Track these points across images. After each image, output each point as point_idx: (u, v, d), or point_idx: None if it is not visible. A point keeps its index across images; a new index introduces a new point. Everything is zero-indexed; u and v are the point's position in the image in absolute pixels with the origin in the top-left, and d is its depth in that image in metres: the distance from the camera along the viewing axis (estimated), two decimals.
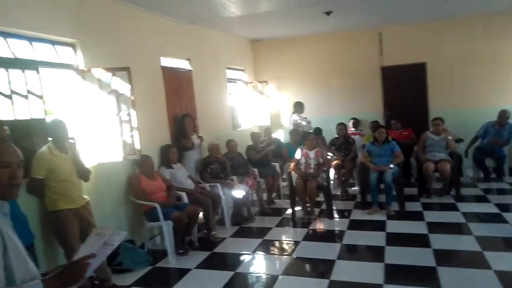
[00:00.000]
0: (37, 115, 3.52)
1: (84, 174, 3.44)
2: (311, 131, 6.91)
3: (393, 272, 3.69)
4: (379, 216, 5.31)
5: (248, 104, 8.28)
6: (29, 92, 3.47)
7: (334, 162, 6.48)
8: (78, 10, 4.02)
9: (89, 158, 3.99)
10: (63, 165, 3.29)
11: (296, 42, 8.46)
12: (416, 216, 5.22)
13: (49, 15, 3.69)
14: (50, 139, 3.34)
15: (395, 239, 4.50)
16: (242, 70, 8.37)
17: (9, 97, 3.30)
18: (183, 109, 5.72)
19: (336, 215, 5.54)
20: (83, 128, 4.13)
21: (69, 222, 3.27)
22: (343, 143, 6.73)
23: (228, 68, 7.63)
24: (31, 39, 3.59)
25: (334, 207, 5.60)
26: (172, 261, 4.23)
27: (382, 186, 5.55)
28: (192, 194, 4.87)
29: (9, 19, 3.27)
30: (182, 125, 5.38)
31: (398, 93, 8.10)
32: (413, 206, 5.62)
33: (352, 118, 8.02)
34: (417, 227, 4.81)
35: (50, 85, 3.94)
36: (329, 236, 4.91)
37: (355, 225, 5.13)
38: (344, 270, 3.80)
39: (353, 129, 7.91)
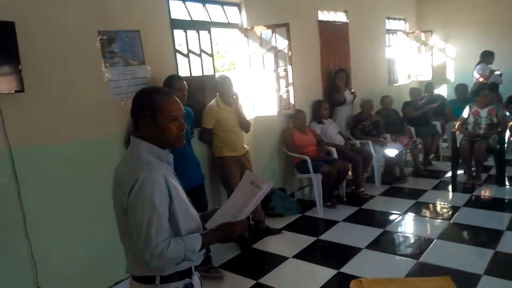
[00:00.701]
0: (207, 72, 3.98)
1: (245, 125, 3.78)
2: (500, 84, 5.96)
3: None
4: None
5: (407, 57, 7.63)
6: (202, 51, 3.92)
7: (511, 123, 5.56)
8: None
9: (249, 112, 4.36)
10: (228, 117, 3.67)
11: None
12: None
13: None
14: (217, 93, 3.76)
15: None
16: (403, 19, 7.68)
17: (187, 56, 3.80)
18: (337, 64, 5.65)
19: (508, 183, 4.84)
20: (245, 84, 4.49)
21: (231, 168, 3.69)
22: None
23: (388, 18, 7.11)
24: (204, 1, 3.97)
25: (506, 174, 4.89)
26: (320, 212, 4.41)
27: None
28: (341, 150, 4.89)
29: None
30: (334, 80, 5.35)
31: None
32: None
33: None
34: None
35: (218, 43, 4.34)
36: (497, 204, 4.36)
37: None
38: None
39: None
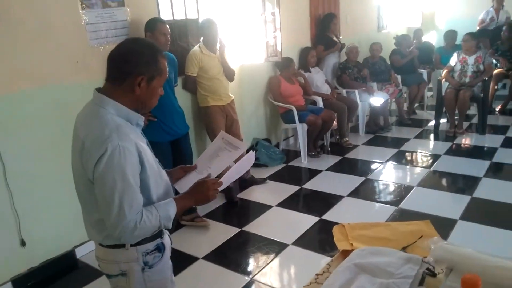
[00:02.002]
0: (191, 15, 3.78)
1: (229, 74, 3.68)
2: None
3: None
4: None
5: (397, 1, 7.41)
6: None
7: (496, 71, 5.57)
8: None
9: (235, 59, 4.23)
10: (211, 64, 3.54)
11: None
12: None
13: None
14: (201, 38, 3.60)
15: None
16: None
17: None
18: (326, 8, 5.44)
19: (488, 131, 4.96)
20: (231, 28, 4.31)
21: (217, 117, 3.64)
22: (510, 49, 5.64)
23: None
24: None
25: (487, 122, 5.00)
26: (304, 162, 4.47)
27: None
28: (328, 99, 4.86)
29: None
30: (328, 28, 5.18)
31: None
32: None
33: None
34: None
35: None
36: (476, 152, 4.49)
37: (511, 143, 4.55)
38: (491, 189, 3.52)
39: None
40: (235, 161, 1.59)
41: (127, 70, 1.29)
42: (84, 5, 2.81)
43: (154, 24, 2.96)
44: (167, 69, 1.37)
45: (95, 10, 2.88)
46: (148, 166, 1.31)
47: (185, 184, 1.56)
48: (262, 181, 4.02)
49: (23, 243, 2.62)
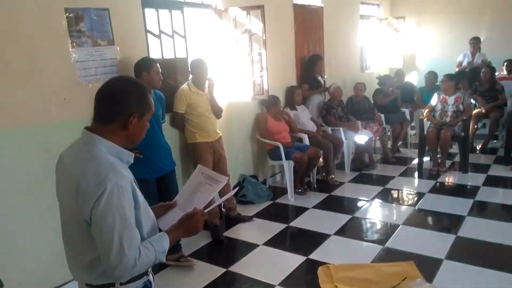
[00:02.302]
0: (180, 54, 3.86)
1: (217, 111, 3.72)
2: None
3: None
4: None
5: (380, 43, 7.72)
6: (174, 32, 3.79)
7: (475, 111, 5.77)
8: None
9: (222, 97, 4.29)
10: (200, 101, 3.59)
11: None
12: None
13: None
14: (190, 76, 3.66)
15: None
16: (377, 4, 7.73)
17: (158, 36, 3.67)
18: (311, 49, 5.63)
19: (470, 169, 5.06)
20: (219, 67, 4.40)
21: (204, 153, 3.64)
22: (488, 90, 5.87)
23: (362, 3, 7.13)
24: None
25: (469, 161, 5.10)
26: (291, 199, 4.46)
27: None
28: (314, 136, 4.93)
29: None
30: (314, 68, 5.35)
31: None
32: None
33: (507, 61, 6.81)
34: None
35: (191, 25, 4.21)
36: (460, 191, 4.54)
37: (493, 181, 4.65)
38: (474, 228, 3.54)
39: (505, 73, 6.75)
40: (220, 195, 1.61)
41: (119, 109, 1.32)
42: (75, 44, 2.85)
43: (150, 64, 3.01)
44: (154, 104, 1.43)
45: (85, 49, 2.92)
46: (140, 202, 1.34)
47: (168, 221, 1.56)
48: (249, 219, 3.99)
49: (1, 284, 2.50)
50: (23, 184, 2.63)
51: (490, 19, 7.21)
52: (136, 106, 1.33)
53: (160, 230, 1.50)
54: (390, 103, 6.00)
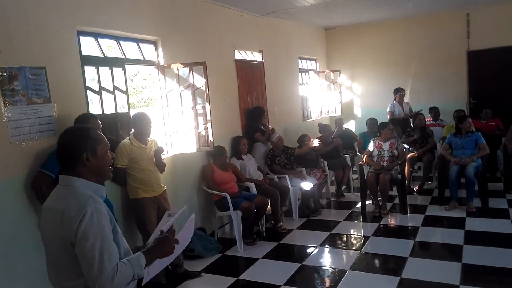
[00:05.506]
0: (122, 109, 3.84)
1: (161, 166, 3.69)
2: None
3: (472, 272, 3.51)
4: (457, 213, 5.01)
5: (319, 94, 8.17)
6: (115, 88, 3.80)
7: (409, 155, 6.18)
8: (160, 8, 4.26)
9: (167, 149, 4.27)
10: (141, 154, 3.55)
11: (372, 28, 8.12)
12: (501, 214, 4.85)
13: (135, 15, 3.96)
14: (132, 130, 3.63)
15: (475, 238, 4.24)
16: (315, 59, 8.26)
17: (99, 93, 3.65)
18: (254, 100, 5.84)
19: (409, 211, 5.31)
20: (162, 121, 4.41)
21: (148, 209, 3.54)
22: (419, 135, 6.36)
23: (301, 58, 7.59)
24: (118, 38, 3.89)
25: (408, 202, 5.38)
26: (240, 250, 4.40)
27: (462, 180, 5.20)
28: (260, 185, 4.98)
29: (100, 20, 3.56)
30: (259, 119, 5.54)
31: (486, 79, 7.46)
32: (498, 203, 5.22)
33: (433, 108, 7.47)
34: (501, 226, 4.49)
35: (135, 79, 4.25)
36: (401, 232, 4.74)
37: (431, 221, 4.89)
38: (417, 268, 3.67)
39: (432, 120, 7.39)
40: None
41: (73, 155, 1.55)
42: (7, 102, 2.76)
43: (88, 120, 2.96)
44: (102, 135, 1.64)
45: (19, 107, 2.84)
46: (117, 227, 1.58)
47: None
48: (196, 274, 3.84)
49: None
50: None
51: (414, 70, 7.95)
52: (84, 146, 1.55)
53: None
54: (332, 150, 6.26)
